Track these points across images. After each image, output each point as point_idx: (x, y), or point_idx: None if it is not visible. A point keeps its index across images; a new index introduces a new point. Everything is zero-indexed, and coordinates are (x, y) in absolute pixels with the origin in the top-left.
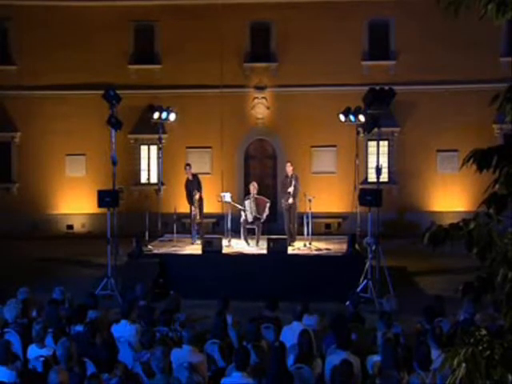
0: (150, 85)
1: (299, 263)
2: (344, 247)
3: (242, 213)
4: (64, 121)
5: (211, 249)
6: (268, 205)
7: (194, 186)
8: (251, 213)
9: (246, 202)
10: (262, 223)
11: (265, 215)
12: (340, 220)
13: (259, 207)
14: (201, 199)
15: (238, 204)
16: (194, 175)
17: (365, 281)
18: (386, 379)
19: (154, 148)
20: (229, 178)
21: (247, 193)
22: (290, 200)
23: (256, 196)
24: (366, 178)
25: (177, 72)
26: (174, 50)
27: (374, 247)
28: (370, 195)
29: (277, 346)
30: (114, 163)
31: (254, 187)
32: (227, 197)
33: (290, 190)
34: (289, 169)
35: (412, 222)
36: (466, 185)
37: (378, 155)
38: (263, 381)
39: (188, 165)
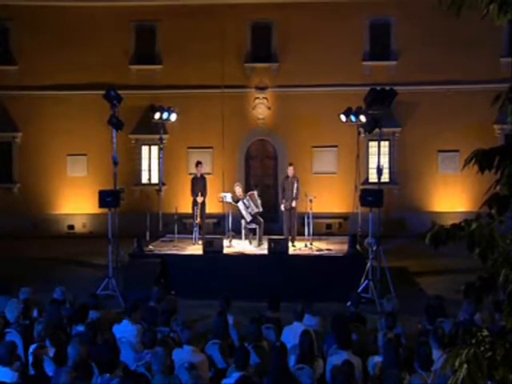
0: (151, 85)
1: (300, 264)
2: (345, 247)
3: (242, 220)
4: (65, 121)
5: (212, 249)
6: (256, 193)
7: (200, 185)
8: (249, 212)
9: (240, 204)
10: (262, 220)
11: (260, 205)
12: (341, 220)
13: (255, 202)
14: (203, 202)
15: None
16: (203, 175)
17: (366, 281)
18: (388, 379)
19: (154, 148)
20: (230, 178)
21: (235, 195)
22: (294, 203)
23: (245, 194)
24: (367, 179)
25: (178, 72)
26: (174, 50)
27: (374, 247)
28: (371, 195)
29: (278, 347)
30: (115, 163)
31: (239, 187)
32: (228, 197)
33: (294, 193)
34: (290, 172)
35: (413, 223)
36: (467, 185)
37: (378, 155)
38: (264, 381)
39: (199, 162)
